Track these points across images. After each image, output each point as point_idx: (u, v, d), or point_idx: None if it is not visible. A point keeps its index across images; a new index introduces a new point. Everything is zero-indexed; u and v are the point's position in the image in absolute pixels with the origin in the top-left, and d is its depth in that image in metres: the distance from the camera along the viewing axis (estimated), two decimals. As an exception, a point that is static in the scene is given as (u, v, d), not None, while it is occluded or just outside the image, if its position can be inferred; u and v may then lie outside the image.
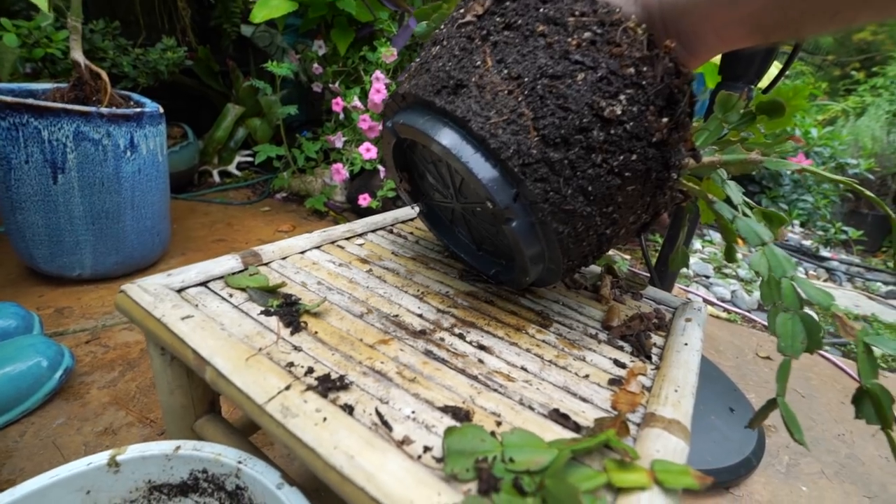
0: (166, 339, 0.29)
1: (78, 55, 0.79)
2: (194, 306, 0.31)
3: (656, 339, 0.38)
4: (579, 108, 0.27)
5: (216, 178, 1.50)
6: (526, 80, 0.28)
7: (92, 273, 0.85)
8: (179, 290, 0.33)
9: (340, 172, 1.10)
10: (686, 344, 0.36)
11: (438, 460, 0.22)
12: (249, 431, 0.42)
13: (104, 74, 0.82)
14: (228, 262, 0.36)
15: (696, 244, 1.76)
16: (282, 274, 0.38)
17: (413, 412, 0.25)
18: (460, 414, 0.25)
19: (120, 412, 0.60)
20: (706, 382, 0.82)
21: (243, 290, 0.34)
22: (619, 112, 0.27)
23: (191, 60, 1.44)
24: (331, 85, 1.24)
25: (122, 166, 0.80)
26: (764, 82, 0.60)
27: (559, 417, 0.26)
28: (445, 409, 0.25)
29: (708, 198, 0.36)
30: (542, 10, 0.29)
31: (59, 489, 0.30)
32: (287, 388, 0.25)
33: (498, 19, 0.30)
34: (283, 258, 0.41)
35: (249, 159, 1.56)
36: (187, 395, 0.34)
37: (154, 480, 0.32)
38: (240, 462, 0.31)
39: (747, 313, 1.21)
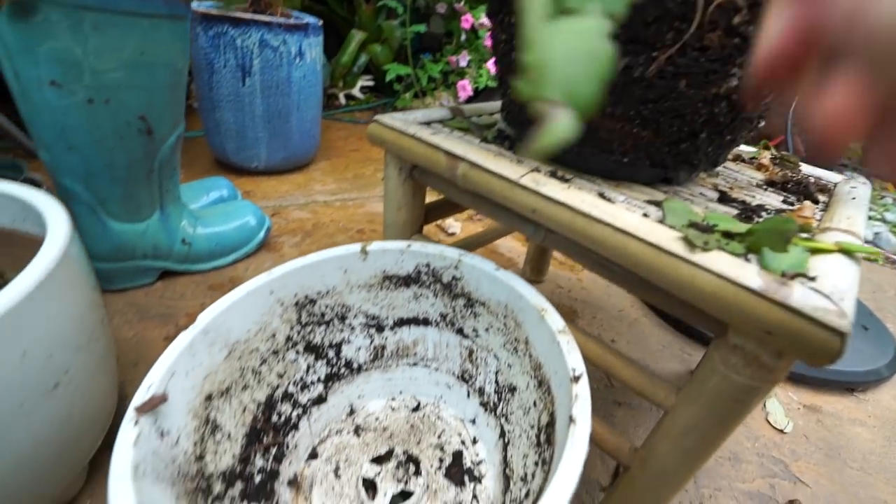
0: (418, 150, 0.38)
1: (259, -30, 0.91)
2: (432, 132, 0.40)
3: (821, 197, 0.41)
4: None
5: (342, 100, 1.64)
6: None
7: (265, 166, 1.01)
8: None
9: (466, 89, 1.16)
10: (854, 198, 0.39)
11: (659, 221, 0.29)
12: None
13: (277, -10, 0.93)
14: (441, 112, 0.45)
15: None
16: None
17: (624, 198, 0.32)
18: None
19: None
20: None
21: (462, 129, 0.42)
22: None
23: (323, -15, 1.53)
24: (456, 4, 1.28)
25: (293, 71, 0.93)
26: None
27: (745, 217, 0.32)
28: (649, 203, 0.32)
29: None
30: None
31: (328, 265, 0.41)
32: (534, 170, 0.32)
33: None
34: (479, 115, 0.48)
35: (371, 83, 1.66)
36: (410, 212, 0.44)
37: (388, 271, 0.43)
38: (460, 255, 0.40)
39: (892, 255, 1.14)
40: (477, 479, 0.40)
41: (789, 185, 0.41)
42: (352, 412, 0.46)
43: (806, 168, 0.48)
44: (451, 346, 0.45)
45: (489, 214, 0.37)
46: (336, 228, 0.86)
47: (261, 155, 0.99)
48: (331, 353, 0.44)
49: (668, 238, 0.26)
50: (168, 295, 0.66)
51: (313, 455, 0.42)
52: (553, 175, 0.33)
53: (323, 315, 0.42)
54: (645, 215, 0.29)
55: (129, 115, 0.52)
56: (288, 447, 0.41)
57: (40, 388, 0.31)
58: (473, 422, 0.44)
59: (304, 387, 0.43)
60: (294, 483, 0.40)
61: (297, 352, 0.42)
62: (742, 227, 0.28)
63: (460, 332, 0.44)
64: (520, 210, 0.32)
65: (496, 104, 0.52)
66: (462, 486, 0.40)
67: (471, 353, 0.44)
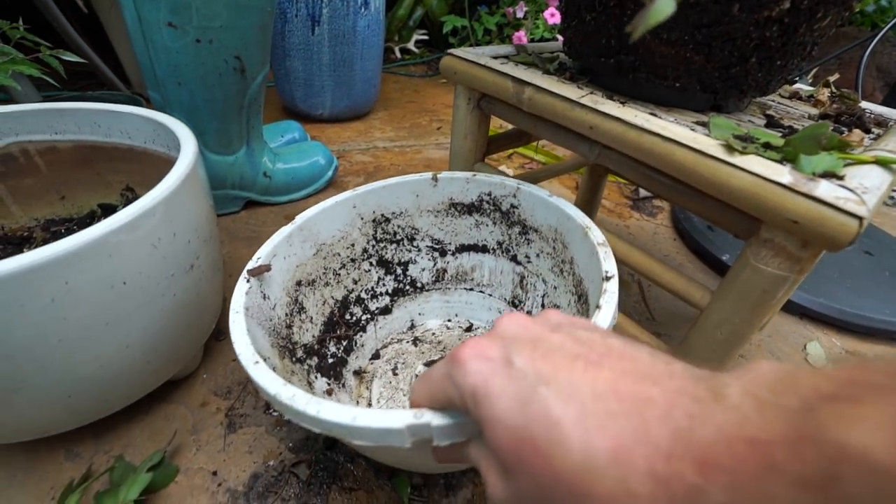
0: (487, 79, 0.42)
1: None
2: (501, 63, 0.44)
3: (875, 130, 0.42)
4: None
5: (397, 54, 1.67)
6: None
7: (329, 114, 1.08)
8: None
9: (522, 40, 1.17)
10: (907, 130, 0.40)
11: (705, 134, 0.32)
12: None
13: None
14: (506, 48, 0.49)
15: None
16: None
17: (674, 119, 0.35)
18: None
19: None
20: (885, 252, 0.80)
21: (526, 63, 0.46)
22: None
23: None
24: (515, -48, 1.27)
25: (358, 21, 0.97)
26: None
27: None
28: (697, 123, 0.35)
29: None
30: None
31: (404, 188, 0.47)
32: (592, 93, 0.36)
33: None
34: (540, 53, 0.52)
35: (425, 37, 1.68)
36: (475, 141, 0.49)
37: (454, 198, 0.48)
38: (518, 184, 0.45)
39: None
40: None
41: (843, 118, 0.42)
42: (412, 326, 0.53)
43: (867, 104, 0.49)
44: (505, 273, 0.50)
45: (549, 136, 0.42)
46: (395, 171, 0.93)
47: (326, 103, 1.06)
48: (399, 270, 0.51)
49: (710, 144, 0.30)
50: (252, 222, 0.75)
51: (376, 356, 0.50)
52: (609, 98, 0.37)
53: (395, 234, 0.49)
54: (692, 130, 0.33)
55: (227, 53, 0.59)
56: (356, 344, 0.48)
57: (183, 266, 0.39)
58: None
59: (374, 296, 0.50)
60: (358, 373, 0.47)
61: (371, 264, 0.49)
62: (781, 141, 0.31)
63: (514, 259, 0.49)
64: (578, 128, 0.36)
65: (554, 44, 0.55)
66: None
67: (522, 279, 0.49)
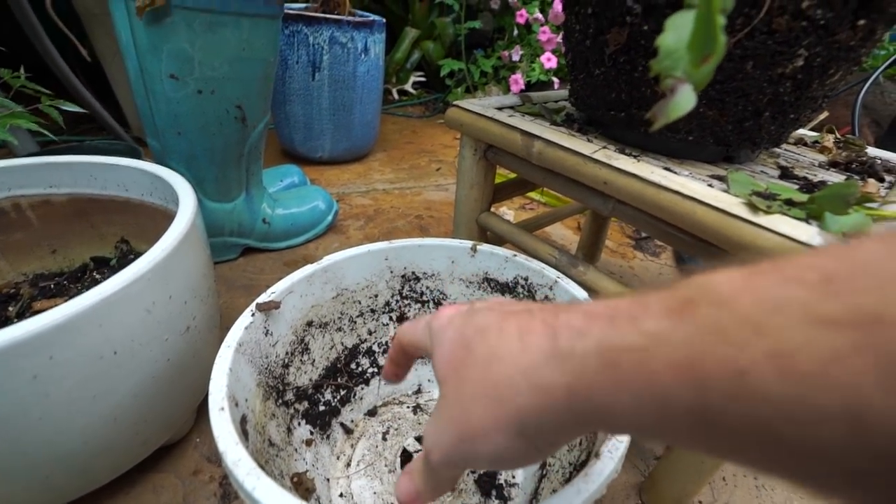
0: (495, 131, 0.42)
1: (329, -28, 0.97)
2: (508, 115, 0.43)
3: (887, 177, 0.42)
4: None
5: (395, 95, 1.70)
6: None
7: (329, 156, 1.08)
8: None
9: (518, 83, 1.19)
10: (921, 178, 0.40)
11: (724, 190, 0.31)
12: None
13: (345, -10, 0.99)
14: (511, 98, 0.49)
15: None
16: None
17: (689, 173, 0.35)
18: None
19: (373, 246, 0.80)
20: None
21: (533, 113, 0.45)
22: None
23: (380, -15, 1.60)
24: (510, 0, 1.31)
25: (358, 66, 0.99)
26: None
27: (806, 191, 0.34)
28: (712, 177, 0.35)
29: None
30: None
31: (440, 251, 0.45)
32: (604, 147, 0.36)
33: None
34: (544, 102, 0.52)
35: (422, 79, 1.72)
36: (481, 191, 0.48)
37: (490, 273, 0.45)
38: (558, 277, 0.41)
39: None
40: (503, 499, 0.40)
41: (853, 166, 0.42)
42: (418, 391, 0.50)
43: (873, 151, 0.48)
44: None
45: (560, 189, 0.41)
46: (396, 214, 0.92)
47: (325, 145, 1.06)
48: None
49: (733, 203, 0.29)
50: (250, 269, 0.73)
51: (372, 413, 0.47)
52: (622, 152, 0.36)
53: (422, 294, 0.47)
54: (710, 186, 0.32)
55: (229, 103, 0.58)
56: (354, 396, 0.46)
57: (178, 328, 0.37)
58: None
59: (386, 351, 0.48)
60: (347, 428, 0.44)
61: (391, 318, 0.47)
62: (803, 197, 0.30)
63: None
64: (591, 182, 0.35)
65: (559, 92, 0.55)
66: (487, 498, 0.40)
67: None
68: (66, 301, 0.28)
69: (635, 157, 0.36)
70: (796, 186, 0.35)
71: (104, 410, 0.32)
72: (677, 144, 0.37)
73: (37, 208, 0.48)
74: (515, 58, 1.27)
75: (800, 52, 0.30)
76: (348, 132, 1.06)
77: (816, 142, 0.50)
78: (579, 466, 0.32)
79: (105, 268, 0.53)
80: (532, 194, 1.02)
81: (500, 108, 0.46)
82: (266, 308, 0.35)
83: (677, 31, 0.17)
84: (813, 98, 0.34)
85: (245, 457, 0.24)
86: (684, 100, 0.17)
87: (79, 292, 0.29)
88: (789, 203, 0.29)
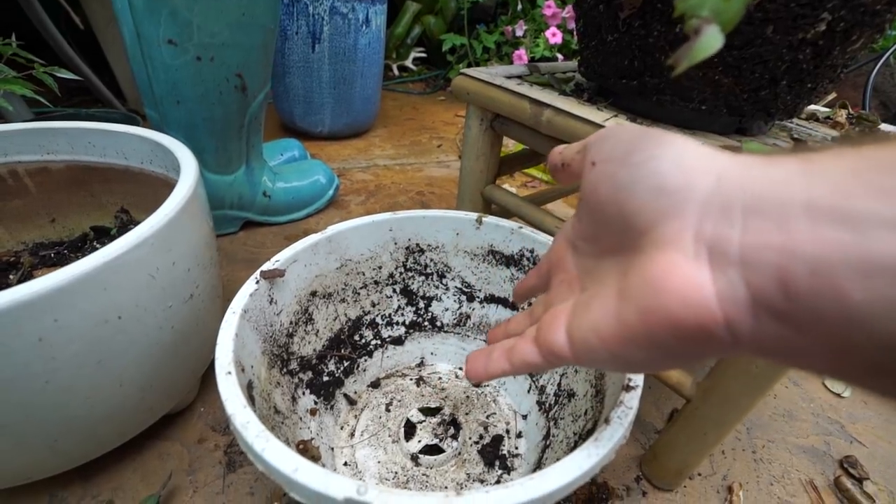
0: (503, 99, 0.41)
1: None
2: (517, 84, 0.42)
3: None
4: None
5: (395, 71, 1.67)
6: None
7: (329, 131, 1.07)
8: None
9: (522, 58, 1.17)
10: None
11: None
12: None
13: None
14: (519, 68, 0.48)
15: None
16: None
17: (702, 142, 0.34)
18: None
19: (374, 221, 0.79)
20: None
21: (541, 83, 0.44)
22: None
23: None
24: (515, -28, 1.27)
25: (359, 38, 0.97)
26: None
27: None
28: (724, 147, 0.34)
29: None
30: None
31: (445, 222, 0.44)
32: (615, 115, 0.35)
33: None
34: (553, 73, 0.51)
35: (423, 55, 1.69)
36: (487, 162, 0.48)
37: (495, 245, 0.44)
38: None
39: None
40: (506, 469, 0.40)
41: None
42: (421, 364, 0.50)
43: (886, 127, 0.48)
44: None
45: (568, 159, 0.40)
46: (397, 190, 0.91)
47: (325, 120, 1.04)
48: (421, 304, 0.48)
49: (749, 171, 0.28)
50: (250, 243, 0.73)
51: (375, 385, 0.47)
52: (633, 121, 0.35)
53: (426, 266, 0.46)
54: (724, 155, 0.31)
55: (229, 71, 0.57)
56: (358, 368, 0.46)
57: (182, 295, 0.37)
58: (525, 417, 0.44)
59: (390, 323, 0.48)
60: (351, 399, 0.45)
61: (394, 290, 0.46)
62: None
63: None
64: (602, 151, 0.34)
65: (567, 63, 0.54)
66: (490, 468, 0.40)
67: None
68: (69, 264, 0.28)
69: (646, 125, 0.35)
70: (810, 158, 0.34)
71: (110, 375, 0.32)
72: (690, 114, 0.36)
73: (34, 175, 0.47)
74: (519, 33, 1.24)
75: (823, 16, 0.29)
76: (349, 106, 1.04)
77: (829, 117, 0.49)
78: (584, 435, 0.32)
79: (105, 237, 0.52)
80: (534, 171, 1.01)
81: (508, 77, 0.44)
82: (271, 276, 0.35)
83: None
84: (832, 66, 0.33)
85: (254, 419, 0.24)
86: (711, 40, 0.16)
87: (80, 260, 0.28)
88: (805, 172, 0.29)
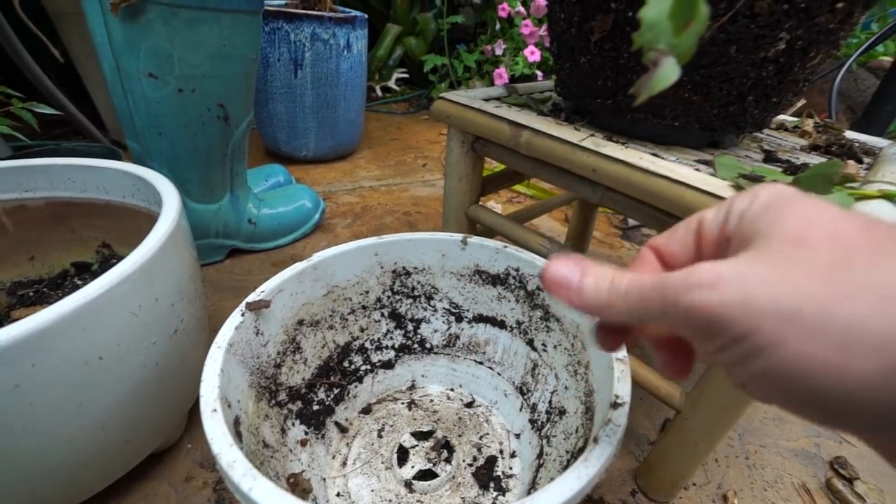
0: (482, 122, 0.41)
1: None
2: (495, 107, 0.43)
3: (865, 159, 0.43)
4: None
5: (378, 92, 1.69)
6: None
7: (314, 155, 1.07)
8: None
9: (503, 77, 1.19)
10: (899, 159, 0.41)
11: (711, 174, 0.32)
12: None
13: (325, -15, 0.98)
14: (497, 90, 0.48)
15: None
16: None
17: (676, 158, 0.35)
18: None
19: (361, 243, 0.79)
20: None
21: (519, 104, 0.45)
22: None
23: (360, -19, 1.58)
24: (491, -7, 1.31)
25: (341, 63, 0.98)
26: None
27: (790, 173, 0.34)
28: (699, 162, 0.35)
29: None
30: None
31: (430, 245, 0.44)
32: (591, 135, 0.36)
33: None
34: (530, 93, 0.52)
35: (405, 75, 1.71)
36: (469, 183, 0.48)
37: (480, 265, 0.44)
38: None
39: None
40: (501, 490, 0.40)
41: (833, 149, 0.43)
42: (412, 387, 0.49)
43: (850, 134, 0.49)
44: (519, 355, 0.46)
45: (548, 178, 0.41)
46: (384, 211, 0.91)
47: (309, 144, 1.05)
48: (410, 327, 0.48)
49: (721, 186, 0.29)
50: (237, 271, 0.72)
51: (366, 411, 0.46)
52: (609, 139, 0.36)
53: (413, 289, 0.46)
54: (697, 170, 0.32)
55: (211, 102, 0.57)
56: (348, 394, 0.45)
57: (166, 331, 0.36)
58: (518, 437, 0.44)
59: (379, 348, 0.47)
60: (342, 426, 0.44)
61: (382, 314, 0.46)
62: (788, 178, 0.31)
63: (531, 343, 0.44)
64: (580, 170, 0.35)
65: (544, 83, 0.55)
66: (485, 490, 0.40)
67: (535, 367, 0.44)
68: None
69: (623, 143, 0.36)
70: (780, 169, 0.35)
71: (92, 418, 0.32)
72: (664, 130, 0.37)
73: (11, 214, 0.47)
74: (499, 52, 1.27)
75: (781, 36, 0.30)
76: (333, 130, 1.05)
77: (797, 126, 0.50)
78: (577, 454, 0.32)
79: (87, 273, 0.51)
80: (518, 187, 1.03)
81: (486, 100, 0.45)
82: (256, 307, 0.34)
83: (659, 4, 0.17)
84: (795, 81, 0.35)
85: (241, 458, 0.23)
86: (668, 72, 0.17)
87: (59, 299, 0.28)
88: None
